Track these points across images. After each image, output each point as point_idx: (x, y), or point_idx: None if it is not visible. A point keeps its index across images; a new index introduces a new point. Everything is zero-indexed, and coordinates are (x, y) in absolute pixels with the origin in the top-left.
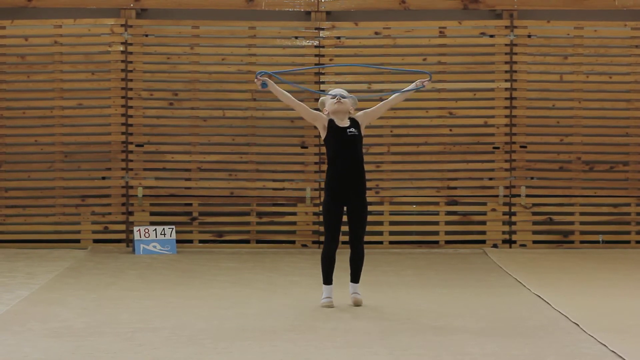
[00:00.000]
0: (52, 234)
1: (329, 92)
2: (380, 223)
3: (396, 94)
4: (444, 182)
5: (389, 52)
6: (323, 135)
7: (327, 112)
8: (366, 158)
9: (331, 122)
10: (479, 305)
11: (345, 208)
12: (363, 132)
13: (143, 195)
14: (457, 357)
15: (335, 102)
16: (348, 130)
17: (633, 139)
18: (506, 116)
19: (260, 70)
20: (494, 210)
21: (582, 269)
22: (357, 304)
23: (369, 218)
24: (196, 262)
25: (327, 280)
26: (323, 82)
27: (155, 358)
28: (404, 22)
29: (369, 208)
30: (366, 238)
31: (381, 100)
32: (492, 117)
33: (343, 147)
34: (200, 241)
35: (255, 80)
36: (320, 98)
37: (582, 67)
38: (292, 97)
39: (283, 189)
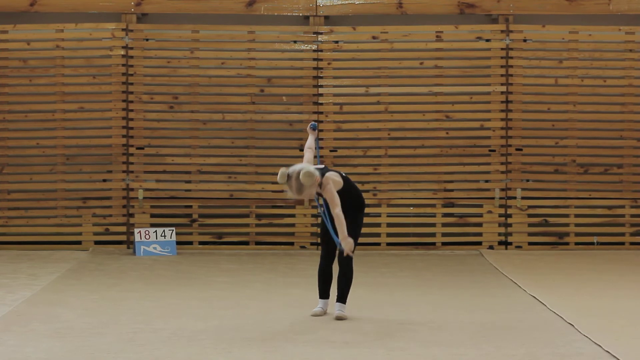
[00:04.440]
0: (54, 235)
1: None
2: (378, 225)
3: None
4: (441, 185)
5: (386, 56)
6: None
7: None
8: (364, 161)
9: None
10: (475, 306)
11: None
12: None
13: (143, 198)
14: (453, 357)
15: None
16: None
17: (627, 142)
18: (502, 119)
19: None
20: (490, 212)
21: (577, 270)
22: (339, 318)
23: (367, 220)
24: (196, 264)
25: (323, 294)
26: (321, 86)
27: (156, 358)
28: (401, 26)
29: (367, 210)
30: (364, 240)
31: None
32: (488, 120)
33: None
34: (200, 243)
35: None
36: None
37: (577, 71)
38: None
39: (282, 191)
